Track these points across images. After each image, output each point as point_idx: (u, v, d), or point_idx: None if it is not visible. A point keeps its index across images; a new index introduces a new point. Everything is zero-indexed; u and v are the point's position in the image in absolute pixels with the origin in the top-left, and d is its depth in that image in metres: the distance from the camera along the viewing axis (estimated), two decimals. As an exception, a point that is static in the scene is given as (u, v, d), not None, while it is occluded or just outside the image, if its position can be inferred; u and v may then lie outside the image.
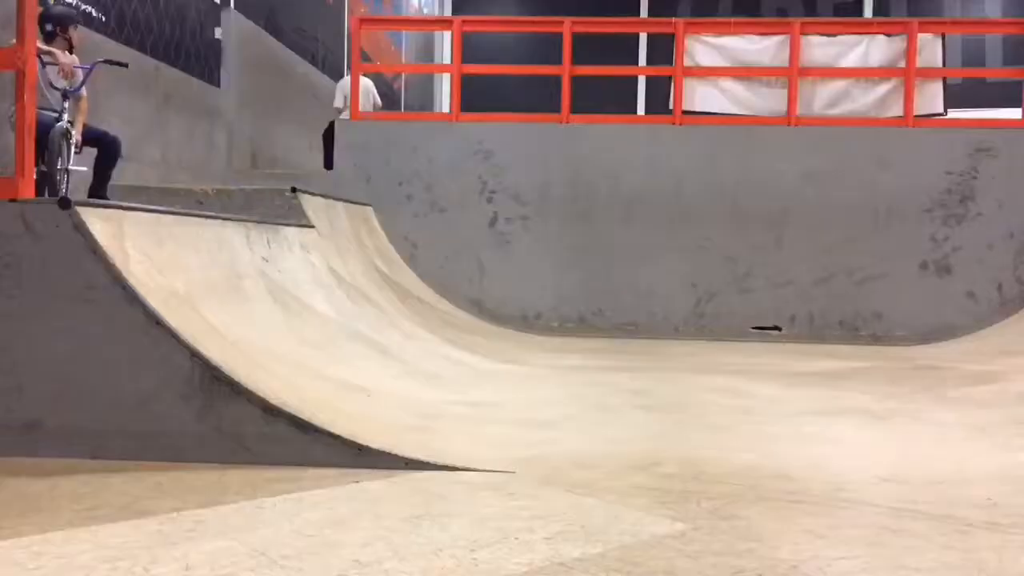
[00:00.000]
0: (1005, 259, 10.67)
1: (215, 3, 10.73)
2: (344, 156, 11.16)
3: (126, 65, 7.11)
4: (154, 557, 2.93)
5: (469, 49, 11.66)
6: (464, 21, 11.86)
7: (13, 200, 4.30)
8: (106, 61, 6.65)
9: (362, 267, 8.79)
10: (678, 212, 10.95)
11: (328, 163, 11.63)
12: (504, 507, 3.54)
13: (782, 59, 11.21)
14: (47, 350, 4.20)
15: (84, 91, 6.35)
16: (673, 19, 11.90)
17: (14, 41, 4.58)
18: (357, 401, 5.14)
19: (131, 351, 4.18)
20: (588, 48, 12.31)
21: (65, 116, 6.06)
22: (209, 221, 5.68)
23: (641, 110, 19.53)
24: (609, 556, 3.00)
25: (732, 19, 13.08)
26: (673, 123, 11.23)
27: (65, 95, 6.12)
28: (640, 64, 19.89)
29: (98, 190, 6.56)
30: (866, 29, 11.83)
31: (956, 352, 9.40)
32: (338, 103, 12.06)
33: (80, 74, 6.29)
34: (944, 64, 11.57)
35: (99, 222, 4.31)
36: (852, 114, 11.27)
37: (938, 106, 11.27)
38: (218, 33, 10.81)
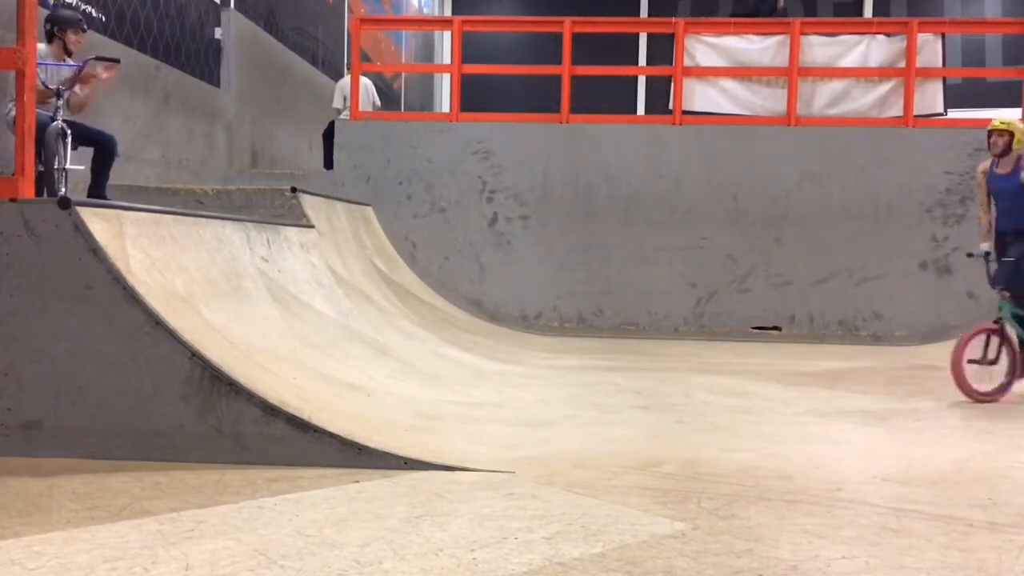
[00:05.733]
0: (1005, 259, 10.65)
1: (215, 3, 10.73)
2: (344, 156, 11.16)
3: (118, 61, 7.05)
4: (154, 557, 2.93)
5: (469, 49, 11.66)
6: (464, 21, 11.85)
7: (13, 200, 4.31)
8: (97, 58, 6.61)
9: (362, 267, 8.79)
10: (678, 212, 10.96)
11: (328, 163, 11.63)
12: (504, 507, 3.54)
13: (782, 59, 11.21)
14: (47, 350, 4.20)
15: (77, 88, 6.30)
16: (673, 19, 11.90)
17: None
18: (357, 401, 5.13)
19: (131, 351, 4.18)
20: (588, 48, 12.31)
21: (60, 115, 6.03)
22: (209, 221, 5.67)
23: (641, 110, 19.49)
24: (608, 556, 3.00)
25: (732, 19, 13.05)
26: (673, 123, 11.23)
27: (59, 94, 6.10)
28: (640, 64, 19.85)
29: (97, 190, 6.54)
30: (866, 29, 11.80)
31: (956, 352, 9.38)
32: (337, 103, 12.04)
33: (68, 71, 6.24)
34: (944, 64, 11.57)
35: (99, 222, 4.31)
36: (852, 114, 11.26)
37: (938, 106, 11.26)
38: (218, 33, 10.81)
